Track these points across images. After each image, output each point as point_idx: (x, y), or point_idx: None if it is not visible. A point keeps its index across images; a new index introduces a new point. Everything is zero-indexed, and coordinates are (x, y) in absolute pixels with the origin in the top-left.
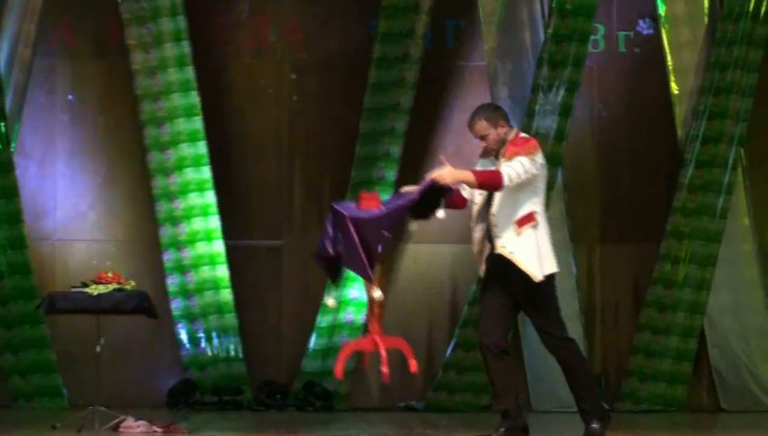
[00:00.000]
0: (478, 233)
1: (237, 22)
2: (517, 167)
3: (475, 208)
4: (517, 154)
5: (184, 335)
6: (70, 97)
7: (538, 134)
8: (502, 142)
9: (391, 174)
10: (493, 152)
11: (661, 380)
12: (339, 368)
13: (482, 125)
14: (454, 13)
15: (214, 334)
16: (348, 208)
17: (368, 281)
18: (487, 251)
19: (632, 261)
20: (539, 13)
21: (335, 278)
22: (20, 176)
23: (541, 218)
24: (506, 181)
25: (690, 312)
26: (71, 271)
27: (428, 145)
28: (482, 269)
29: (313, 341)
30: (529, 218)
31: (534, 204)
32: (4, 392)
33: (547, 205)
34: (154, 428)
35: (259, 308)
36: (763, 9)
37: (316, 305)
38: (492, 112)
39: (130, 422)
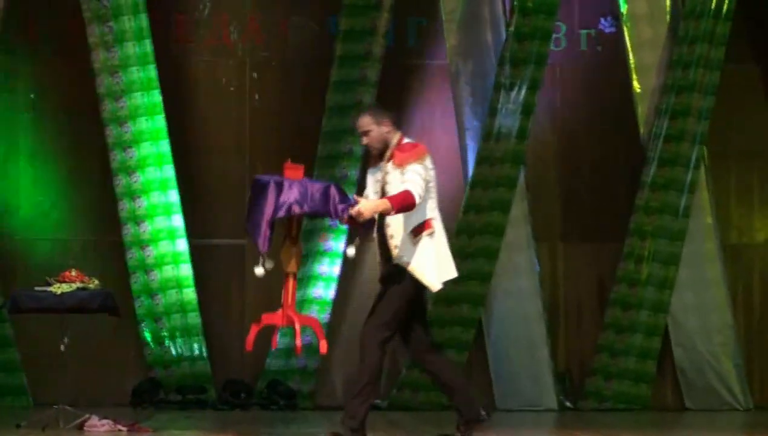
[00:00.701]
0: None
1: (198, 20)
2: (417, 180)
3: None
4: (407, 161)
5: (147, 334)
6: (31, 96)
7: (501, 133)
8: (385, 144)
9: (353, 173)
10: (376, 153)
11: (625, 379)
12: (250, 339)
13: (366, 120)
14: (415, 12)
15: (177, 333)
16: (271, 176)
17: (261, 250)
18: (384, 259)
19: (595, 260)
20: (501, 11)
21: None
22: None
23: (437, 224)
24: (417, 199)
25: (654, 311)
26: (34, 269)
27: None
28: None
29: (276, 341)
30: (425, 226)
31: (429, 210)
32: None
33: (509, 205)
34: (119, 426)
35: (223, 306)
36: (724, 7)
37: (279, 303)
38: (377, 110)
39: (94, 420)
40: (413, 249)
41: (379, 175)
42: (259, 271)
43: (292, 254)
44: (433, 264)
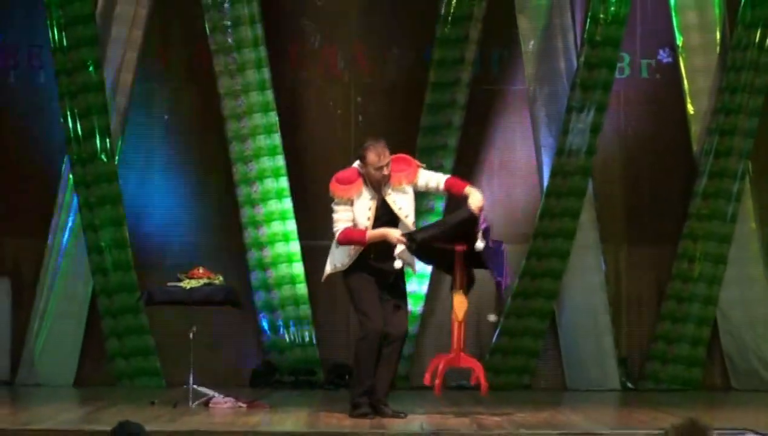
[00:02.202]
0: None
1: (310, 52)
2: None
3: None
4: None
5: (265, 324)
6: (165, 117)
7: (572, 150)
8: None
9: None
10: (377, 182)
11: (679, 363)
12: (427, 377)
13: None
14: (499, 44)
15: (291, 322)
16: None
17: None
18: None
19: (654, 260)
20: (573, 43)
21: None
22: (123, 185)
23: None
24: None
25: (704, 304)
26: (167, 267)
27: (476, 159)
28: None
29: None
30: None
31: None
32: (109, 372)
33: (579, 212)
34: (240, 403)
35: (330, 300)
36: (767, 40)
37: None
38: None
39: (219, 398)
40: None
41: (372, 204)
42: (492, 318)
43: (462, 302)
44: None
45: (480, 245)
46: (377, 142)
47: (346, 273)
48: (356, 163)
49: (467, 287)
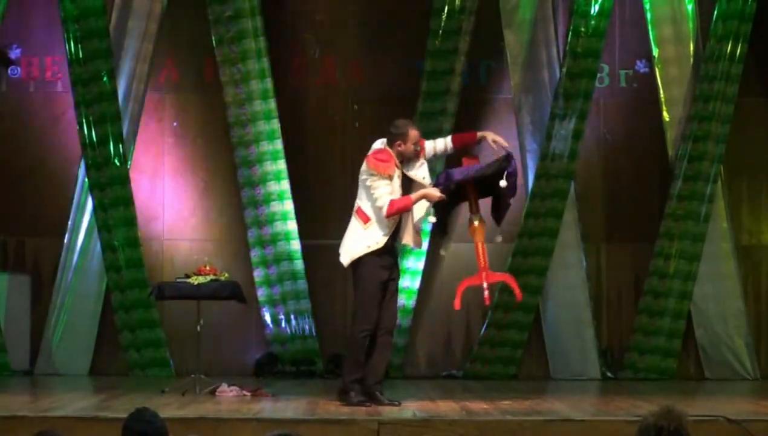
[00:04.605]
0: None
1: (310, 63)
2: None
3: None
4: (424, 144)
5: (267, 317)
6: (175, 123)
7: (555, 154)
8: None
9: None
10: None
11: (656, 354)
12: (457, 301)
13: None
14: (486, 56)
15: (292, 316)
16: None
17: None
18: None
19: (632, 257)
20: (555, 55)
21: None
22: (135, 188)
23: None
24: None
25: (679, 299)
26: (176, 265)
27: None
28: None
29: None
30: None
31: None
32: (122, 363)
33: (562, 212)
34: (244, 392)
35: (329, 294)
36: (738, 51)
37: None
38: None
39: (224, 387)
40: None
41: (398, 180)
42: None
43: (481, 227)
44: None
45: (503, 183)
46: (410, 121)
47: (362, 261)
48: (381, 144)
49: (499, 214)
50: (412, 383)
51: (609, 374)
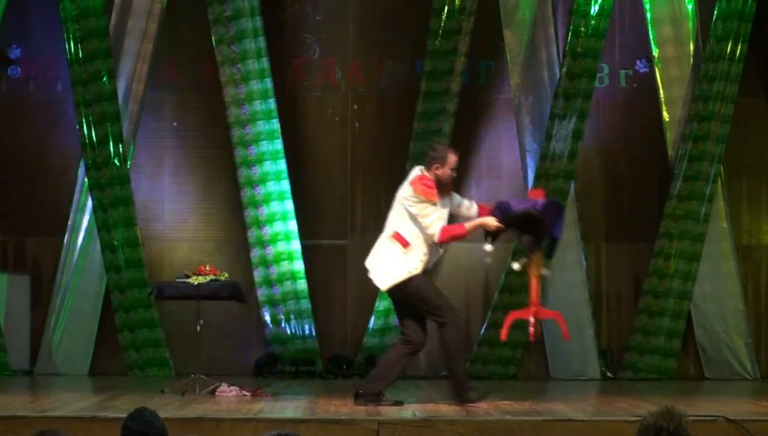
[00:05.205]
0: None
1: (310, 63)
2: None
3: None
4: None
5: (267, 317)
6: (174, 124)
7: (555, 154)
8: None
9: None
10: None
11: (656, 354)
12: (504, 332)
13: None
14: (486, 56)
15: (292, 316)
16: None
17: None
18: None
19: (632, 257)
20: (555, 55)
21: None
22: (135, 188)
23: None
24: None
25: (679, 298)
26: (176, 265)
27: (466, 163)
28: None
29: (372, 322)
30: None
31: None
32: (122, 363)
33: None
34: (244, 392)
35: (328, 295)
36: (738, 51)
37: (374, 292)
38: None
39: (224, 387)
40: None
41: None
42: (488, 247)
43: (538, 260)
44: None
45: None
46: (449, 146)
47: (403, 282)
48: (419, 171)
49: (550, 248)
50: (413, 383)
51: (609, 374)
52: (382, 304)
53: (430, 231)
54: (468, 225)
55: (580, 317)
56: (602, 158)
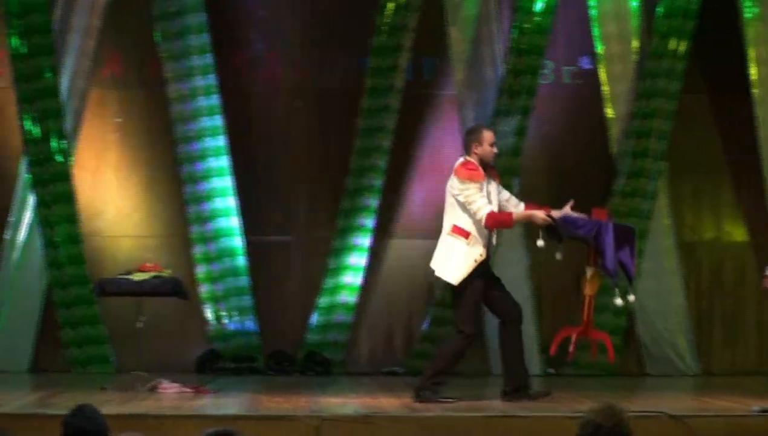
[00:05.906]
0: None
1: (255, 58)
2: None
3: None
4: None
5: (209, 314)
6: (118, 119)
7: (499, 150)
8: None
9: (378, 182)
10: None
11: (598, 350)
12: (553, 348)
13: None
14: (430, 52)
15: (234, 313)
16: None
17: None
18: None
19: (574, 254)
20: (499, 51)
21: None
22: (77, 184)
23: None
24: None
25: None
26: (119, 261)
27: (409, 159)
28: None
29: (314, 319)
30: None
31: None
32: (63, 360)
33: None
34: (185, 389)
35: (271, 291)
36: (681, 48)
37: (316, 289)
38: None
39: (165, 384)
40: None
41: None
42: (540, 242)
43: (594, 280)
44: None
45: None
46: (481, 123)
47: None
48: (462, 159)
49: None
50: (354, 379)
51: (551, 371)
52: (323, 301)
53: (478, 216)
54: (516, 215)
55: (523, 313)
56: (546, 155)
